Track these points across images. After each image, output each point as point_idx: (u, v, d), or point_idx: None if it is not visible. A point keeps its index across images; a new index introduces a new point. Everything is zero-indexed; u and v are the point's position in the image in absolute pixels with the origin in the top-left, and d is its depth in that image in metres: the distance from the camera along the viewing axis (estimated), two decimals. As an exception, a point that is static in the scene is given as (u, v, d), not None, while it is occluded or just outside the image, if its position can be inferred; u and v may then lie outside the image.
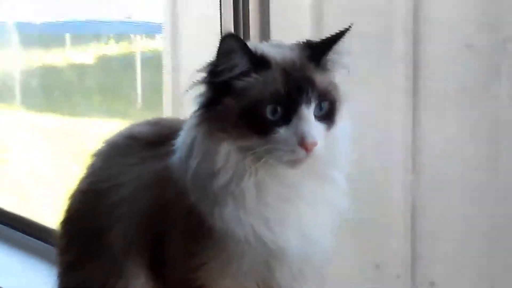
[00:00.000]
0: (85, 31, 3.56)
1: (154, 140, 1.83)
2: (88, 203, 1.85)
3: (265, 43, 1.86)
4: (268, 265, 1.72)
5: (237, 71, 1.66)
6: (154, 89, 3.22)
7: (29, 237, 3.42)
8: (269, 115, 1.64)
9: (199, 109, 1.70)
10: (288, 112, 1.64)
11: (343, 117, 1.74)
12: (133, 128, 1.92)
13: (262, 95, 1.65)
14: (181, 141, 1.74)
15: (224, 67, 1.66)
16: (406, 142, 2.24)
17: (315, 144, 1.63)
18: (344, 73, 1.79)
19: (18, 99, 3.86)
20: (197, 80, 1.71)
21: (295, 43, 1.77)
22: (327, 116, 1.69)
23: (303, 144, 1.62)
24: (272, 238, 1.69)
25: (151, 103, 3.42)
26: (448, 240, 2.21)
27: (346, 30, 1.72)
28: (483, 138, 2.08)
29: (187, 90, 1.73)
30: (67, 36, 3.65)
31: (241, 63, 1.66)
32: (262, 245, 1.69)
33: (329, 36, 1.73)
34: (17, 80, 3.89)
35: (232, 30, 2.49)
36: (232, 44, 1.64)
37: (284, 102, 1.64)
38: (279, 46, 1.78)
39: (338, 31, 1.72)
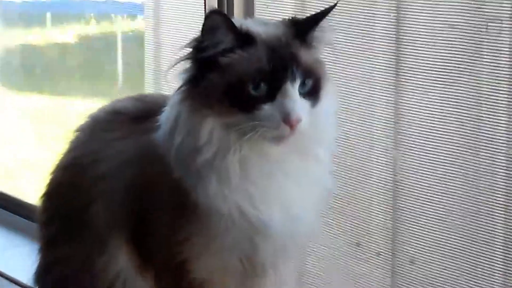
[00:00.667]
0: (66, 11, 3.54)
1: (137, 115, 1.83)
2: (70, 178, 1.84)
3: (249, 20, 1.86)
4: (252, 241, 1.72)
5: (221, 47, 1.65)
6: (135, 69, 3.21)
7: (12, 214, 3.42)
8: (253, 92, 1.64)
9: (183, 85, 1.70)
10: (273, 89, 1.64)
11: (328, 94, 1.74)
12: (116, 103, 1.92)
13: (246, 71, 1.65)
14: (165, 117, 1.73)
15: (209, 43, 1.65)
16: (388, 119, 2.25)
17: (299, 121, 1.63)
18: (329, 50, 1.80)
19: (-1, 79, 3.84)
20: (182, 56, 1.70)
21: (280, 20, 1.78)
22: (312, 93, 1.69)
23: (287, 121, 1.62)
24: (256, 214, 1.69)
25: (133, 83, 3.41)
26: (428, 218, 2.22)
27: (332, 7, 1.72)
28: (465, 115, 2.09)
29: (172, 66, 1.73)
30: (48, 15, 3.63)
31: (226, 40, 1.65)
32: (246, 221, 1.69)
33: (315, 13, 1.74)
34: (-1, 59, 3.87)
35: (216, 7, 2.49)
36: (217, 20, 1.64)
37: (268, 78, 1.64)
38: (264, 23, 1.78)
39: (323, 9, 1.73)
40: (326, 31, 1.73)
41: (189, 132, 1.67)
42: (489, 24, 2.03)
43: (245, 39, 1.67)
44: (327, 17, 1.71)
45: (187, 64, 1.70)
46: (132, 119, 1.83)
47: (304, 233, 1.78)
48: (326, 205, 1.86)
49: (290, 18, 1.76)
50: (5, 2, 3.74)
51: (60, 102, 3.55)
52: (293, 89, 1.64)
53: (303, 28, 1.71)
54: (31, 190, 3.25)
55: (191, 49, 1.69)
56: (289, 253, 1.83)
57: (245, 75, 1.64)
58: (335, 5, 1.73)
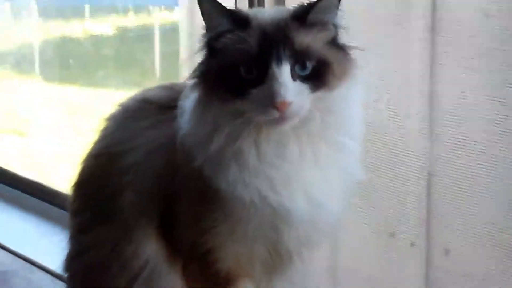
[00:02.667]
0: (104, 2, 3.56)
1: (166, 104, 1.83)
2: (100, 167, 1.86)
3: (261, 8, 1.85)
4: (276, 228, 1.72)
5: (217, 30, 1.65)
6: (172, 61, 3.22)
7: (46, 204, 3.46)
8: (245, 75, 1.62)
9: (196, 74, 1.71)
10: (262, 72, 1.61)
11: (351, 80, 1.71)
12: (146, 92, 1.92)
13: (236, 55, 1.64)
14: (182, 107, 1.74)
15: (207, 29, 1.67)
16: (422, 108, 2.22)
17: (286, 103, 1.59)
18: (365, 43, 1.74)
19: (37, 70, 3.86)
20: (199, 47, 1.71)
21: (285, 7, 1.77)
22: (314, 76, 1.64)
23: (273, 104, 1.59)
24: (277, 199, 1.68)
25: (169, 75, 3.41)
26: (462, 208, 2.19)
27: None
28: (500, 105, 2.06)
29: (191, 57, 1.74)
30: (87, 7, 3.65)
31: (221, 24, 1.65)
32: (268, 207, 1.68)
33: None
34: (36, 51, 3.90)
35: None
36: (206, 5, 1.64)
37: (256, 62, 1.62)
38: (276, 9, 1.78)
39: None
40: (329, 14, 1.68)
41: (198, 121, 1.68)
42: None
43: (239, 22, 1.65)
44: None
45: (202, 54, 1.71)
46: (161, 108, 1.83)
47: (328, 222, 1.76)
48: (353, 195, 1.83)
49: (298, 4, 1.72)
50: (43, -5, 3.78)
51: (97, 94, 3.57)
52: (279, 72, 1.60)
53: (302, 10, 1.67)
54: (65, 180, 3.28)
55: (202, 38, 1.69)
56: (314, 242, 1.82)
57: (234, 59, 1.63)
58: None
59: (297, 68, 1.62)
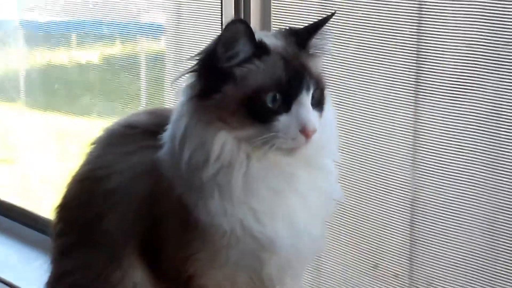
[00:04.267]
0: (91, 31, 3.56)
1: (151, 129, 1.82)
2: (85, 190, 1.85)
3: (261, 32, 1.85)
4: (258, 257, 1.71)
5: (241, 57, 1.64)
6: (158, 90, 3.22)
7: (28, 229, 3.45)
8: (269, 103, 1.63)
9: (191, 98, 1.68)
10: (288, 100, 1.63)
11: (328, 103, 1.74)
12: (130, 117, 1.93)
13: (264, 82, 1.64)
14: (172, 132, 1.72)
15: (228, 54, 1.64)
16: (406, 141, 2.23)
17: (315, 131, 1.63)
18: (347, 64, 1.75)
19: (22, 98, 3.86)
20: (190, 67, 1.69)
21: (277, 31, 1.77)
22: (319, 103, 1.69)
23: (305, 131, 1.62)
24: (261, 229, 1.68)
25: (155, 104, 3.41)
26: (446, 241, 2.19)
27: (330, 16, 1.73)
28: (484, 133, 2.07)
29: (178, 78, 1.73)
30: (73, 36, 3.66)
31: (245, 49, 1.64)
32: (250, 237, 1.68)
33: (314, 22, 1.74)
34: (22, 78, 3.89)
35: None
36: (240, 29, 1.62)
37: (284, 89, 1.63)
38: (265, 34, 1.77)
39: (322, 17, 1.73)
40: (326, 40, 1.73)
41: (200, 146, 1.66)
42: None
43: (261, 49, 1.66)
44: (325, 26, 1.72)
45: (192, 77, 1.69)
46: (145, 133, 1.82)
47: (310, 247, 1.77)
48: (331, 215, 1.84)
49: (287, 28, 1.77)
50: (30, 22, 3.77)
51: (82, 122, 3.57)
52: (307, 99, 1.64)
53: (304, 37, 1.71)
54: (49, 206, 3.27)
55: (199, 61, 1.67)
56: (296, 269, 1.82)
57: (262, 86, 1.63)
58: (334, 14, 1.74)
59: (314, 95, 1.66)
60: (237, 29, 1.62)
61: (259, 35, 1.70)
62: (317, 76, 1.69)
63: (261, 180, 1.67)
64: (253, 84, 1.64)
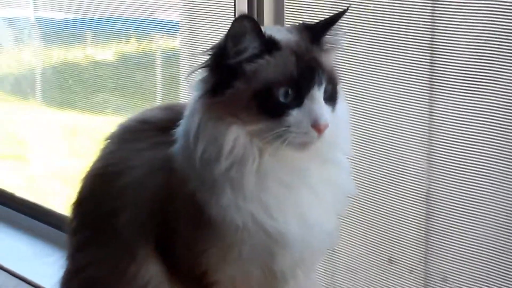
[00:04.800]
0: (106, 29, 3.57)
1: (165, 125, 1.82)
2: (99, 186, 1.85)
3: (272, 27, 1.85)
4: (270, 251, 1.71)
5: (249, 53, 1.65)
6: (172, 88, 3.23)
7: (42, 224, 3.48)
8: (281, 98, 1.63)
9: (204, 94, 1.69)
10: (300, 94, 1.64)
11: (341, 98, 1.75)
12: (145, 113, 1.93)
13: (275, 77, 1.64)
14: (185, 128, 1.73)
15: (235, 49, 1.64)
16: (421, 135, 2.22)
17: (327, 126, 1.63)
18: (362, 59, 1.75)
19: (38, 95, 3.87)
20: (202, 63, 1.69)
21: (291, 26, 1.78)
22: (331, 97, 1.69)
23: (316, 126, 1.62)
24: (272, 223, 1.68)
25: (169, 100, 3.41)
26: (461, 235, 2.19)
27: (344, 11, 1.74)
28: (500, 127, 2.06)
29: (192, 73, 1.73)
30: (88, 34, 3.67)
31: (253, 45, 1.64)
32: (262, 231, 1.68)
33: (328, 17, 1.74)
34: (37, 76, 3.91)
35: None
36: (246, 25, 1.63)
37: (296, 84, 1.64)
38: (278, 29, 1.77)
39: (335, 13, 1.74)
40: (339, 35, 1.73)
41: (213, 141, 1.66)
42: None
43: (270, 44, 1.66)
44: (339, 21, 1.72)
45: (204, 72, 1.69)
46: (159, 129, 1.83)
47: (322, 241, 1.77)
48: (344, 209, 1.84)
49: (301, 23, 1.77)
50: (45, 20, 3.79)
51: (97, 119, 3.58)
52: (320, 94, 1.65)
53: (317, 33, 1.71)
54: (63, 202, 3.30)
55: (211, 56, 1.68)
56: (309, 263, 1.82)
57: (273, 81, 1.64)
58: (347, 9, 1.74)
59: (326, 90, 1.66)
60: (243, 25, 1.63)
61: (271, 30, 1.70)
62: (329, 71, 1.69)
63: (274, 175, 1.67)
64: (264, 79, 1.64)
